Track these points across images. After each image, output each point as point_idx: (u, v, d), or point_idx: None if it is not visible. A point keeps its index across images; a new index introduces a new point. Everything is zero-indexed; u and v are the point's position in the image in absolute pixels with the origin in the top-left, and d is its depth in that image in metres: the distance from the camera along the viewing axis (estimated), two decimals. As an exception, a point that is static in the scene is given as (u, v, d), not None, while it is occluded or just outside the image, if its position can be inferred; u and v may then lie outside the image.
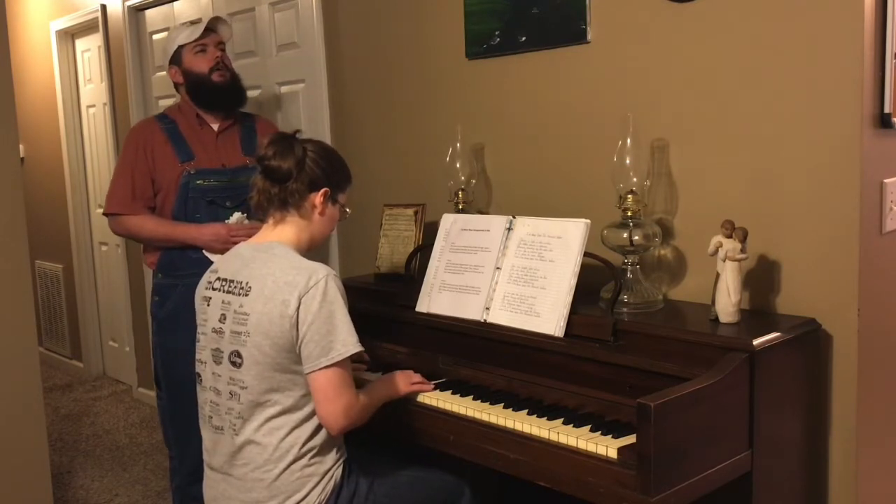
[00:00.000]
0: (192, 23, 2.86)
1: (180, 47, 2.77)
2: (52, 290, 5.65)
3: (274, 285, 1.83)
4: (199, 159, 2.73)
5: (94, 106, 5.02)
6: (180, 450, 2.73)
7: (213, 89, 2.75)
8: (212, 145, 2.78)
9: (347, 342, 1.82)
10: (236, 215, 2.70)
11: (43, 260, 5.66)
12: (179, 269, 2.69)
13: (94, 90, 4.99)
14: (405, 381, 2.07)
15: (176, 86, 2.84)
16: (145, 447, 4.08)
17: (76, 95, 5.17)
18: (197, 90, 2.76)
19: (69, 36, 5.10)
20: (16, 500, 2.67)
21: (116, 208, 2.72)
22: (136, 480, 3.69)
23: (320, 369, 1.81)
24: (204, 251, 2.66)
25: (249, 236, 2.53)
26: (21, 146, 5.45)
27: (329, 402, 1.82)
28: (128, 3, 4.27)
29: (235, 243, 2.53)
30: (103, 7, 4.55)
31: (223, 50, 2.80)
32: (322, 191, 1.96)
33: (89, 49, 4.95)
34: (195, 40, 2.76)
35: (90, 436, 4.30)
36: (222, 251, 2.60)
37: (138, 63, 4.31)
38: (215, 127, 2.80)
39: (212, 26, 2.81)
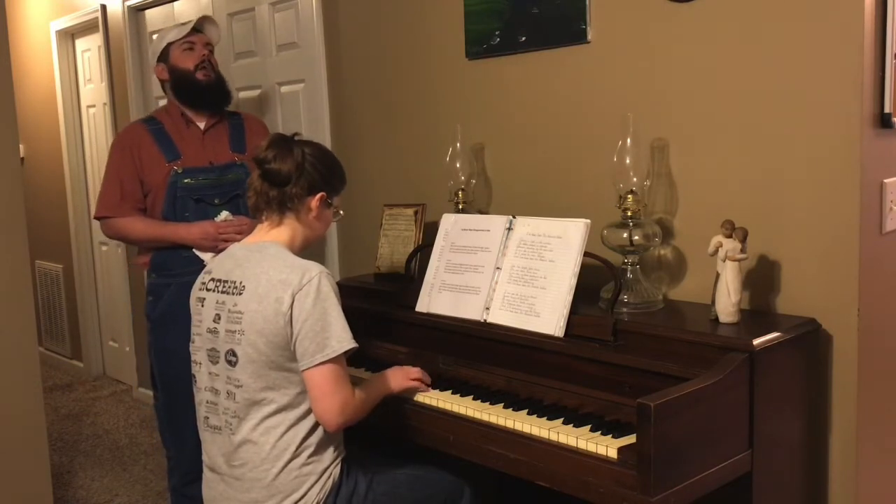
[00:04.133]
0: (185, 24, 2.89)
1: (169, 44, 2.79)
2: (52, 290, 5.65)
3: (268, 283, 1.83)
4: (186, 158, 2.73)
5: (94, 106, 5.02)
6: (176, 450, 2.73)
7: (197, 86, 2.76)
8: (199, 143, 2.77)
9: (342, 338, 1.83)
10: (224, 213, 2.69)
11: (43, 260, 5.66)
12: (172, 269, 2.69)
13: (94, 90, 4.99)
14: (403, 376, 2.07)
15: (162, 84, 2.85)
16: (145, 447, 4.08)
17: (76, 95, 5.17)
18: (181, 86, 2.77)
19: (69, 36, 5.10)
20: (16, 500, 2.67)
21: (106, 211, 2.73)
22: (136, 480, 3.69)
23: (316, 366, 1.81)
24: (194, 250, 2.66)
25: (239, 233, 2.58)
26: (21, 146, 5.45)
27: (325, 399, 1.83)
28: (128, 3, 4.27)
29: (224, 241, 2.56)
30: (103, 7, 4.55)
31: (210, 51, 2.81)
32: (319, 195, 1.97)
33: (89, 49, 4.95)
34: (183, 37, 2.78)
35: (90, 436, 4.30)
36: (212, 249, 2.62)
37: (138, 63, 4.31)
38: (201, 125, 2.80)
39: (199, 27, 2.83)
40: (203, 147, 2.77)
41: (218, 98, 2.81)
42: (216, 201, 2.72)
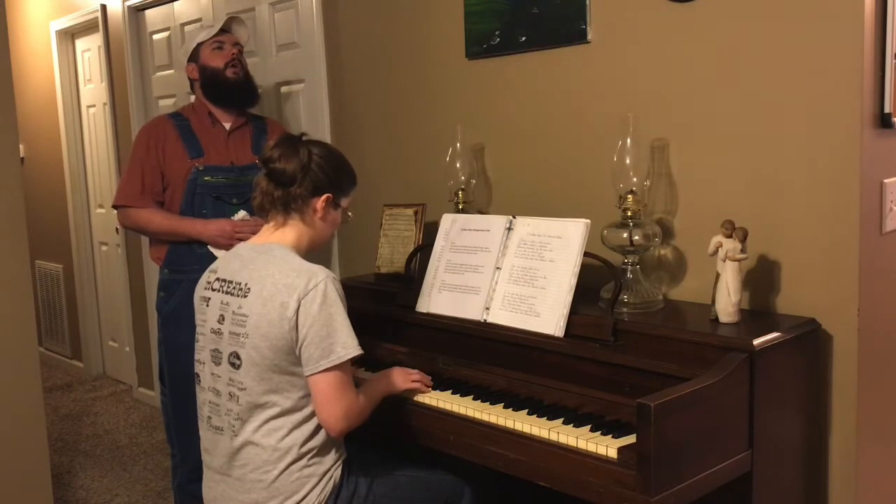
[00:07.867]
0: (214, 25, 2.97)
1: (199, 45, 2.84)
2: (52, 290, 5.65)
3: (273, 287, 1.82)
4: (208, 156, 2.78)
5: (94, 106, 5.02)
6: (182, 447, 2.74)
7: (226, 85, 2.81)
8: (222, 143, 2.82)
9: (348, 344, 1.82)
10: (241, 212, 2.75)
11: (43, 260, 5.66)
12: (185, 265, 2.72)
13: (94, 90, 4.99)
14: (403, 377, 2.07)
15: (191, 83, 2.89)
16: (145, 447, 4.08)
17: (76, 95, 5.17)
18: (210, 85, 2.82)
19: (69, 36, 5.10)
20: (16, 500, 2.67)
21: (125, 201, 2.77)
22: (136, 480, 3.69)
23: (321, 372, 1.80)
24: (209, 247, 2.70)
25: (254, 233, 2.58)
26: (21, 146, 5.45)
27: (329, 405, 1.82)
28: (128, 3, 4.27)
29: (240, 239, 2.58)
30: (103, 7, 4.55)
31: (240, 50, 2.86)
32: (324, 196, 1.96)
33: (89, 49, 4.95)
34: (213, 37, 2.84)
35: (90, 436, 4.30)
36: (227, 247, 2.64)
37: (138, 63, 4.31)
38: (227, 126, 2.85)
39: (227, 27, 2.89)
40: (226, 147, 2.82)
41: (245, 96, 2.86)
42: (234, 201, 2.76)
